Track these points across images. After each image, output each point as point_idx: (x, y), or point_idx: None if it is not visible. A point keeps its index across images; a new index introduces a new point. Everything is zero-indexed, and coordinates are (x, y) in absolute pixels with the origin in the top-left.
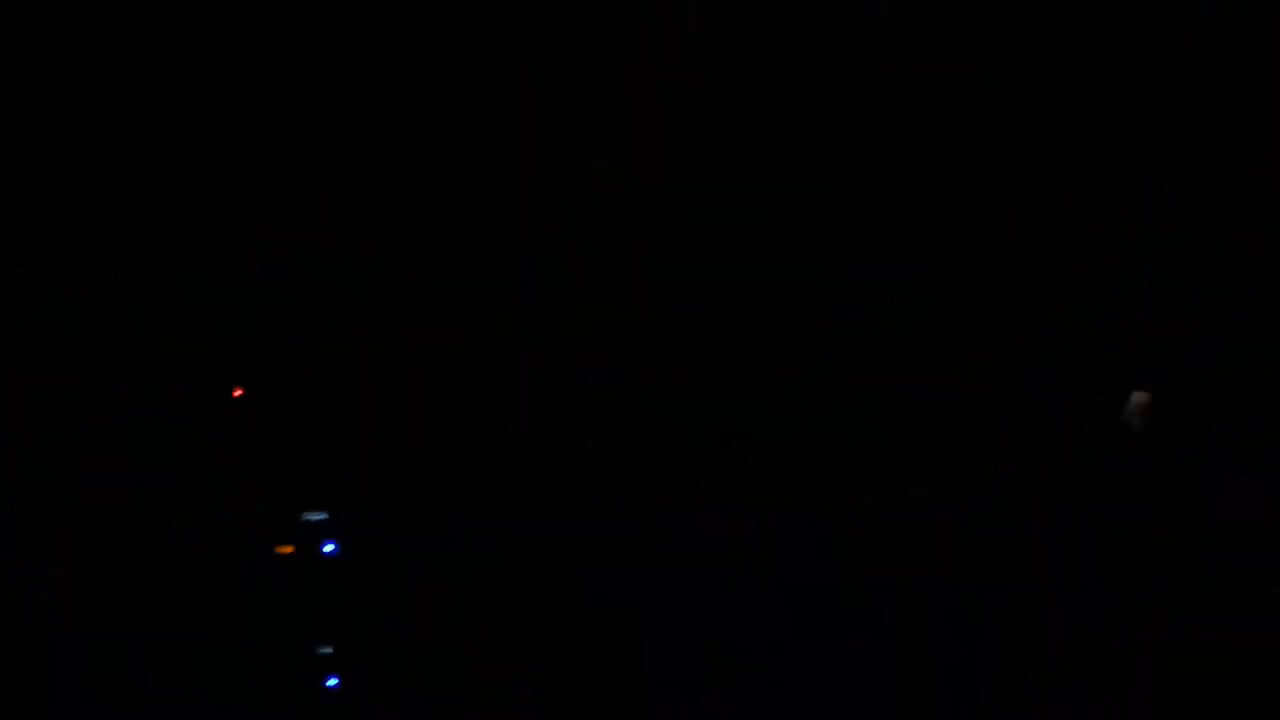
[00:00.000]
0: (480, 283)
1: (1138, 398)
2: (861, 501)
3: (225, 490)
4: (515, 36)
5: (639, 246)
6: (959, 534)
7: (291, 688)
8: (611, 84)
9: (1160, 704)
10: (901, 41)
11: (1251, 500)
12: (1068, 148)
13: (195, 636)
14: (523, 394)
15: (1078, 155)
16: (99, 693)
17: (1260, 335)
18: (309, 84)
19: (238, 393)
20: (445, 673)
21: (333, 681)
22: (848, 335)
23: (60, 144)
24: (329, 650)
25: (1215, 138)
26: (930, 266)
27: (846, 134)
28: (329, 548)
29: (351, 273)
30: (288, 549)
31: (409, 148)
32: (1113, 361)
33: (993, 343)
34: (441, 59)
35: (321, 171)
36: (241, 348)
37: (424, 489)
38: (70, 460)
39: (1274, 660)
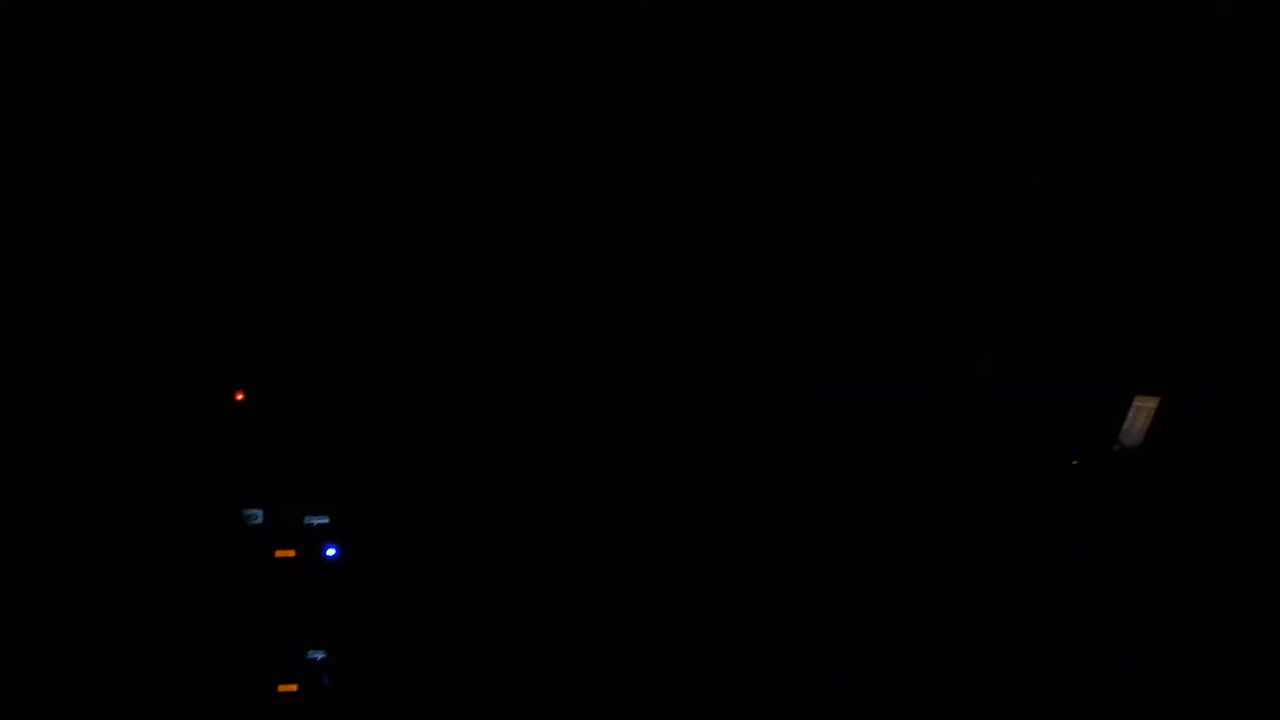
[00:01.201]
0: (480, 282)
1: (1141, 404)
2: (862, 503)
3: (228, 494)
4: (516, 38)
5: (638, 246)
6: (957, 537)
7: (290, 690)
8: (611, 84)
9: (1160, 703)
10: (901, 42)
11: (1251, 500)
12: (1067, 147)
13: (196, 640)
14: (519, 397)
15: (1077, 155)
16: (99, 691)
17: (1260, 334)
18: (309, 84)
19: (240, 396)
20: (444, 677)
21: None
22: (847, 335)
23: (60, 144)
24: (322, 655)
25: (1215, 137)
26: (929, 266)
27: (846, 133)
28: (331, 552)
29: (351, 274)
30: (289, 553)
31: (409, 148)
32: (1113, 361)
33: (991, 342)
34: (441, 60)
35: (322, 171)
36: (243, 350)
37: (425, 493)
38: (72, 462)
39: (1274, 659)
